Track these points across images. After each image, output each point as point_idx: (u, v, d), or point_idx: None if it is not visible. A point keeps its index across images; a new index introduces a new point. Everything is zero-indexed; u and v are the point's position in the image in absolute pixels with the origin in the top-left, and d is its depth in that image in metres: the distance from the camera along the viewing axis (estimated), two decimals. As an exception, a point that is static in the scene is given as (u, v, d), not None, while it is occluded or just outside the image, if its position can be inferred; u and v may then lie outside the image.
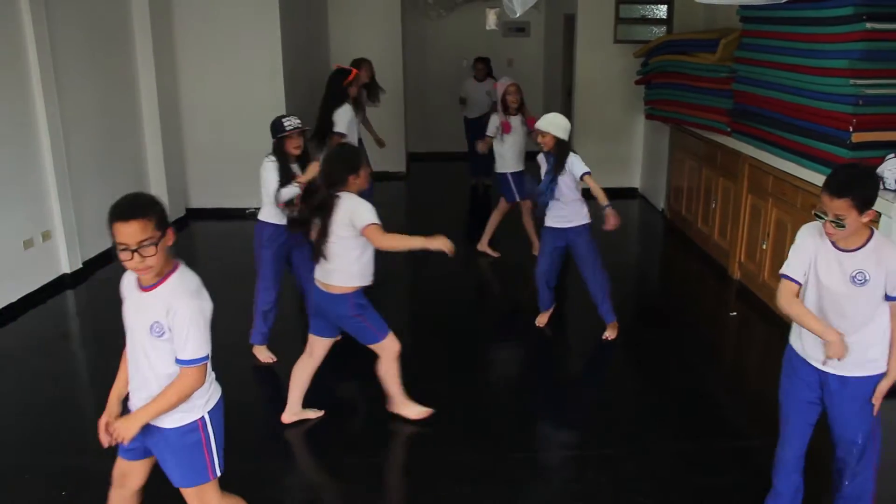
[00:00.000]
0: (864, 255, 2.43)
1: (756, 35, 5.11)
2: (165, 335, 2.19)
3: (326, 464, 3.46)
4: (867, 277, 2.42)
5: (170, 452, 2.34)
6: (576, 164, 4.24)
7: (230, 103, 7.33)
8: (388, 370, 3.55)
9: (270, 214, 4.12)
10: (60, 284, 5.48)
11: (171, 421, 2.29)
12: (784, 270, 2.58)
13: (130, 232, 2.08)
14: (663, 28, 8.08)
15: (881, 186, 3.82)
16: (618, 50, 8.04)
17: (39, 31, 5.17)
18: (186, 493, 2.40)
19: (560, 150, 4.26)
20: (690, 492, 3.10)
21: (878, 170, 3.89)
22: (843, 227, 2.36)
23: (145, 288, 2.22)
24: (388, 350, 3.49)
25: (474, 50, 9.43)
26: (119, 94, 6.47)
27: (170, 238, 2.18)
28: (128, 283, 2.31)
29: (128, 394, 2.37)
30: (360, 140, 6.19)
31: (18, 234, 5.12)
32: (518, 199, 5.93)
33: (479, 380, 4.27)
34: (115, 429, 2.26)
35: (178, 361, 2.21)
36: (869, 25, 3.90)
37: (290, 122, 4.06)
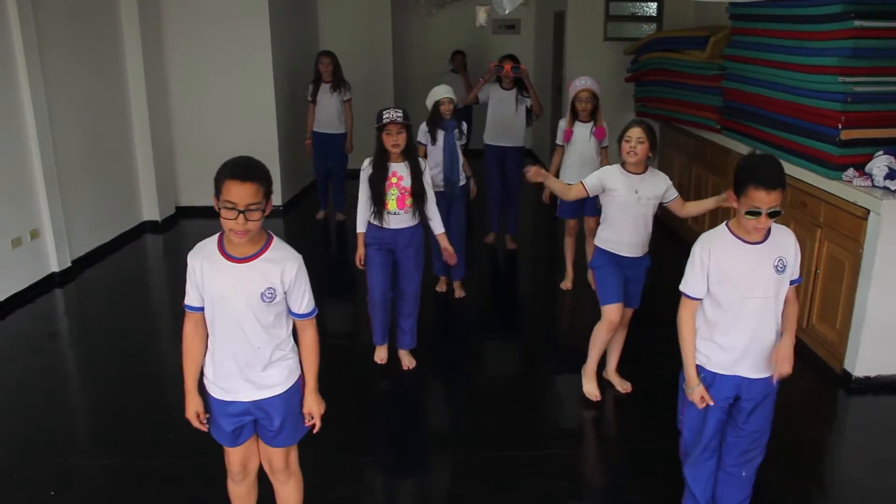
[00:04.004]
0: (774, 244, 2.47)
1: (745, 32, 5.13)
2: (277, 298, 2.25)
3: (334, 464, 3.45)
4: (785, 263, 2.47)
5: (281, 415, 2.37)
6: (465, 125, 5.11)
7: (219, 101, 7.31)
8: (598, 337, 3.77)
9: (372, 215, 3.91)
10: (49, 283, 5.44)
11: (283, 385, 2.36)
12: (683, 288, 2.64)
13: (243, 193, 2.10)
14: (653, 25, 8.10)
15: (870, 184, 3.85)
16: (608, 47, 8.04)
17: (27, 29, 5.13)
18: (279, 451, 2.46)
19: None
20: (679, 489, 3.11)
21: (867, 167, 3.91)
22: (781, 214, 2.40)
23: (243, 259, 2.22)
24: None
25: (465, 47, 9.44)
26: (108, 92, 6.42)
27: (269, 208, 2.21)
28: (209, 256, 2.23)
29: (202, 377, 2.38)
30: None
31: (6, 232, 5.08)
32: (572, 216, 5.29)
33: (474, 375, 4.29)
34: (317, 416, 2.40)
35: (301, 316, 2.34)
36: (857, 23, 3.92)
37: (389, 114, 3.69)
